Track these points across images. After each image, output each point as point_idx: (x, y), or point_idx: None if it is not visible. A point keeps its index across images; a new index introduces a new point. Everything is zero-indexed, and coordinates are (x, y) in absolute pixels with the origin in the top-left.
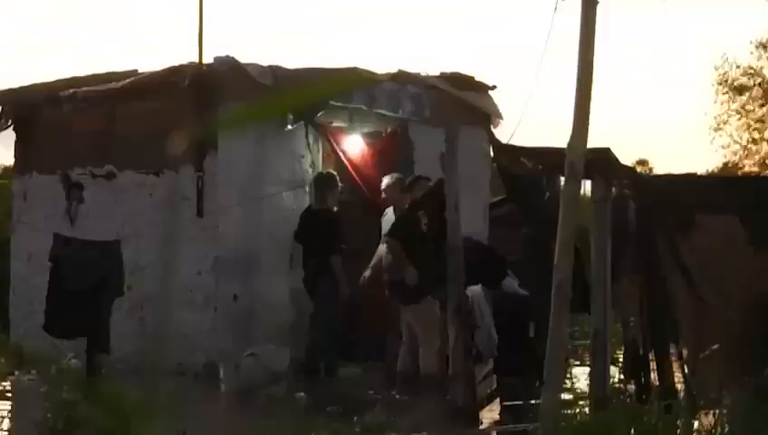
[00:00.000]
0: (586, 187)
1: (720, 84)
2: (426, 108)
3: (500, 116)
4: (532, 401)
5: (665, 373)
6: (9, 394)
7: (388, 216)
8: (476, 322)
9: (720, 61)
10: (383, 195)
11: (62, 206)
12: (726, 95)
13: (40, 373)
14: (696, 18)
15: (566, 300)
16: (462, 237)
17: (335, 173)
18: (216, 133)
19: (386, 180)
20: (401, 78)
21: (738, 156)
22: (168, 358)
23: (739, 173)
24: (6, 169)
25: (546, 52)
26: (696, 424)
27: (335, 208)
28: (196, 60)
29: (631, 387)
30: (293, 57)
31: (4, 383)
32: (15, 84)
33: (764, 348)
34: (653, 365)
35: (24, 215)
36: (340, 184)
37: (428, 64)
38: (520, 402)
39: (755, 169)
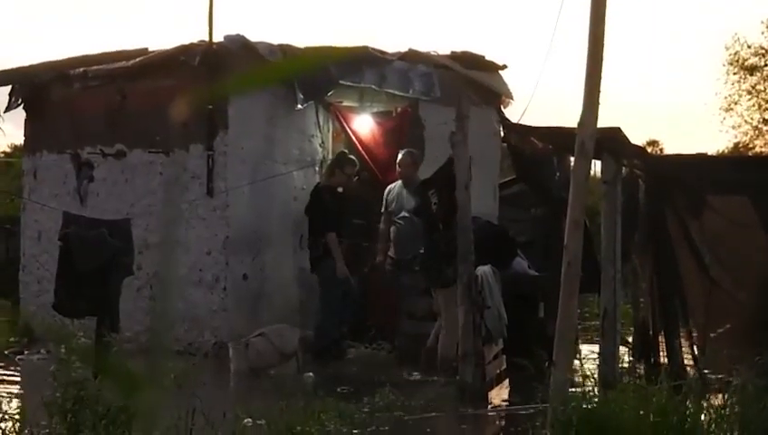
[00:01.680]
0: (596, 167)
1: (731, 64)
2: (436, 87)
3: (510, 96)
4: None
5: (675, 354)
6: (19, 373)
7: (395, 191)
8: (486, 302)
9: (731, 40)
10: (398, 169)
11: (71, 184)
12: (737, 75)
13: (50, 352)
14: None
15: (576, 280)
16: (471, 217)
17: (351, 156)
18: (225, 110)
19: (402, 154)
20: (411, 57)
21: (749, 136)
22: (178, 338)
23: (750, 154)
24: (16, 147)
25: (557, 31)
26: (705, 405)
27: (339, 188)
28: (207, 38)
29: (641, 367)
30: (304, 37)
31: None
32: (25, 63)
33: None
34: (663, 346)
35: (33, 193)
36: (355, 165)
37: (439, 43)
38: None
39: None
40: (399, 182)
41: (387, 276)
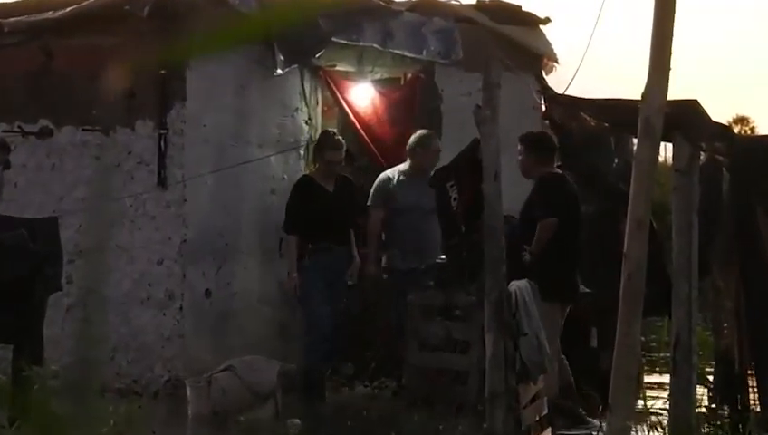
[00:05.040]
0: (666, 151)
1: None
2: (457, 47)
3: (554, 58)
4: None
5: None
6: None
7: (399, 179)
8: (521, 327)
9: None
10: (423, 156)
11: None
12: None
13: None
14: None
15: (639, 298)
16: (503, 216)
17: (336, 136)
18: (182, 77)
19: (429, 137)
20: (425, 8)
21: None
22: (119, 372)
23: None
24: None
25: None
26: None
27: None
28: None
29: (724, 412)
30: None
31: None
32: None
33: None
34: (752, 384)
35: None
36: (338, 147)
37: None
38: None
39: None
40: (403, 168)
41: (389, 293)
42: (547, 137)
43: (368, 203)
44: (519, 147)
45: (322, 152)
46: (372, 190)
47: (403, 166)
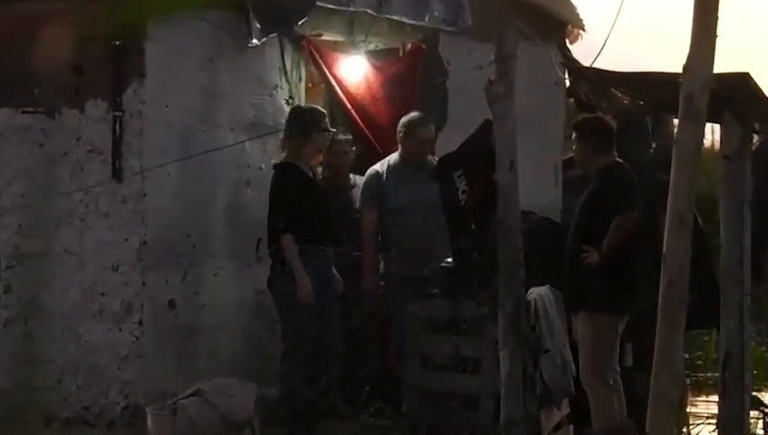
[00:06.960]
0: (713, 133)
1: None
2: (465, 12)
3: (580, 25)
4: None
5: None
6: None
7: (387, 173)
8: (543, 342)
9: None
10: (415, 142)
11: None
12: None
13: None
14: None
15: (681, 308)
16: (521, 212)
17: (318, 108)
18: (141, 49)
19: (419, 121)
20: None
21: None
22: (67, 398)
23: None
24: None
25: None
26: None
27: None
28: None
29: None
30: None
31: None
32: None
33: None
34: None
35: None
36: (329, 129)
37: None
38: None
39: None
40: (393, 160)
41: (391, 306)
42: (603, 121)
43: (357, 204)
44: (573, 135)
45: (313, 133)
46: (362, 188)
47: (393, 157)
